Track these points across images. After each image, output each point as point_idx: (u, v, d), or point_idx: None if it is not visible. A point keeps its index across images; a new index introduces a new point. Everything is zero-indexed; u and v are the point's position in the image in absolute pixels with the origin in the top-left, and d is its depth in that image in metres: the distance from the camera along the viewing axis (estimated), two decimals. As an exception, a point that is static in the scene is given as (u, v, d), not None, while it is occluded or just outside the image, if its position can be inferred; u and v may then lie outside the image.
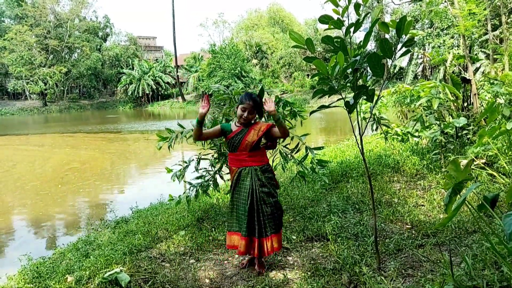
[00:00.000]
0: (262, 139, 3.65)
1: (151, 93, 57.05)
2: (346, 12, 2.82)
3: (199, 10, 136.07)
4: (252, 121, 3.61)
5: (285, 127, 3.41)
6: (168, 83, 58.23)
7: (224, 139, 3.88)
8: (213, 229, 4.68)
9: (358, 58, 2.84)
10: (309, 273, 3.38)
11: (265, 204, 3.51)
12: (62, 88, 58.00)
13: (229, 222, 3.66)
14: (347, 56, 2.87)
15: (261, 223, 3.49)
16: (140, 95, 56.69)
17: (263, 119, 4.10)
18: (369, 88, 2.95)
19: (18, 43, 51.53)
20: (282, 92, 47.57)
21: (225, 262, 3.87)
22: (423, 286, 2.79)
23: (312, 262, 3.61)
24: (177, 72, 55.98)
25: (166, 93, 59.08)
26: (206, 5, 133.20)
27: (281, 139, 4.71)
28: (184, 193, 5.06)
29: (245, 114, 3.47)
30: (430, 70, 38.55)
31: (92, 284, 3.42)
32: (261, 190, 3.51)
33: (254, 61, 54.94)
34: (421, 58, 37.84)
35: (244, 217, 3.49)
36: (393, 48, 2.76)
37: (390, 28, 2.72)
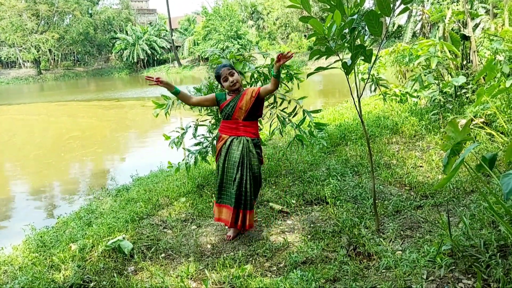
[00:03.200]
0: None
1: (146, 58, 56.05)
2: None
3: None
4: (241, 89, 3.55)
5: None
6: (163, 47, 57.09)
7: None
8: (213, 195, 4.71)
9: (355, 16, 2.75)
10: (309, 236, 3.43)
11: (253, 177, 3.50)
12: (56, 56, 57.02)
13: (218, 193, 3.59)
14: (344, 15, 2.78)
15: (248, 195, 3.46)
16: (135, 60, 55.69)
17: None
18: (367, 48, 2.88)
19: (7, 9, 50.15)
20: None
21: (226, 227, 3.91)
22: (421, 247, 2.83)
23: (311, 225, 3.66)
24: (171, 35, 54.82)
25: (161, 58, 58.05)
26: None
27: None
28: (183, 160, 5.07)
29: (231, 78, 3.43)
30: (429, 28, 37.78)
31: (95, 252, 3.48)
32: (251, 162, 3.48)
33: (250, 22, 53.73)
34: (419, 15, 37.01)
35: (232, 188, 3.46)
36: (391, 5, 2.67)
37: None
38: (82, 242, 3.66)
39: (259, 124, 3.94)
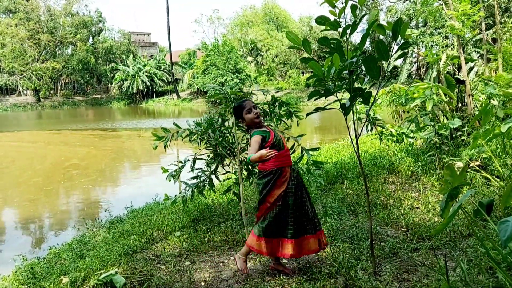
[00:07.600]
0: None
1: (145, 90, 56.77)
2: (343, 13, 2.81)
3: (193, 6, 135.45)
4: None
5: None
6: (162, 80, 57.94)
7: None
8: (208, 230, 4.68)
9: (354, 60, 2.83)
10: (304, 276, 3.38)
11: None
12: (56, 85, 57.67)
13: None
14: (343, 57, 2.86)
15: None
16: (135, 91, 56.37)
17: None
18: (365, 90, 2.94)
19: (9, 37, 51.02)
20: (276, 90, 47.57)
21: (221, 264, 3.86)
22: (419, 291, 2.80)
23: (307, 265, 3.61)
24: (171, 68, 55.72)
25: (160, 90, 58.80)
26: (201, 1, 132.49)
27: None
28: (180, 193, 5.05)
29: (255, 110, 3.46)
30: (424, 69, 38.62)
31: (87, 286, 3.41)
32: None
33: (249, 58, 54.83)
34: (415, 56, 37.89)
35: None
36: (389, 50, 2.76)
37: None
38: (74, 275, 3.59)
39: None
